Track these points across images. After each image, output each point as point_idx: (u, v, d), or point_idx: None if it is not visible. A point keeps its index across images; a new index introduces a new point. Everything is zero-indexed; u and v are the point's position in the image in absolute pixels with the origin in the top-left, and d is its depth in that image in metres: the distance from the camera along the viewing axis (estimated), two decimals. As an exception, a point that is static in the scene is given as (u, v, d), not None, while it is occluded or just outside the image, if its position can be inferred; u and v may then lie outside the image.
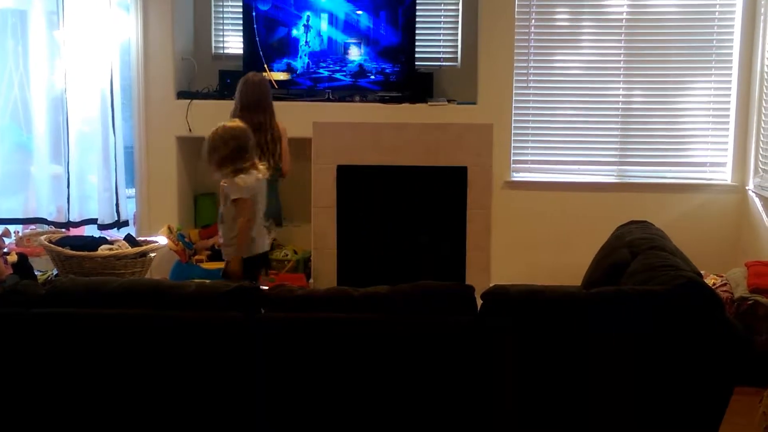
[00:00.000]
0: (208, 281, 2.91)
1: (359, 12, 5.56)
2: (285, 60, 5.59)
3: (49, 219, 5.78)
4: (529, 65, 5.71)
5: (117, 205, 5.73)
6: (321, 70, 5.60)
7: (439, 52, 5.91)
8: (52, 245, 5.14)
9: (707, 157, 5.74)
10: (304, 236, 5.79)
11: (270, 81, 5.53)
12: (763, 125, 5.34)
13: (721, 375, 2.57)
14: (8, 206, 5.83)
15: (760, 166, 5.37)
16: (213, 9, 5.95)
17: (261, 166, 4.14)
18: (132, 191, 5.91)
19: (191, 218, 5.98)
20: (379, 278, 3.12)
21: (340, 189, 5.58)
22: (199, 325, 2.65)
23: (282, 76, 5.61)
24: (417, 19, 5.60)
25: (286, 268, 5.70)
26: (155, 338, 2.66)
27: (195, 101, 5.57)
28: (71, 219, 5.76)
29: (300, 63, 5.60)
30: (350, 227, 5.66)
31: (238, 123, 4.17)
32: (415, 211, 5.71)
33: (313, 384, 2.65)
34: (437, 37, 5.91)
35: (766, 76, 5.32)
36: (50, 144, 5.72)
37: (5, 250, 4.57)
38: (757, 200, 5.37)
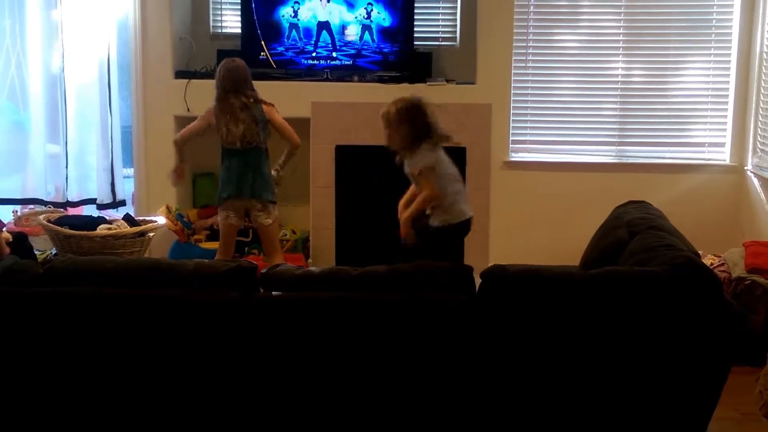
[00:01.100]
0: (206, 260, 2.92)
1: (358, -9, 5.54)
2: (283, 39, 5.57)
3: (47, 199, 5.77)
4: (528, 45, 5.69)
5: (113, 184, 5.73)
6: (319, 50, 5.58)
7: (437, 32, 5.89)
8: (51, 225, 5.14)
9: (706, 137, 5.74)
10: (302, 216, 5.79)
11: (268, 60, 5.51)
12: (762, 105, 5.34)
13: (719, 354, 2.58)
14: (6, 186, 5.83)
15: (759, 146, 5.37)
16: (211, -13, 5.93)
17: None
18: (130, 171, 5.91)
19: (190, 198, 5.98)
20: (377, 258, 3.12)
21: (339, 169, 5.59)
22: (197, 305, 2.66)
23: (280, 55, 5.58)
24: (415, -1, 5.58)
25: (285, 248, 5.70)
26: (154, 317, 2.66)
27: (193, 81, 5.55)
28: (69, 199, 5.77)
29: (298, 42, 5.57)
30: (349, 207, 5.67)
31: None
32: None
33: (312, 364, 2.66)
34: (436, 16, 5.88)
35: (765, 56, 5.31)
36: (47, 123, 5.71)
37: (4, 229, 4.57)
38: (755, 180, 5.37)
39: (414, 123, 4.08)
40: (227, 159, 4.70)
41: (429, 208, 4.11)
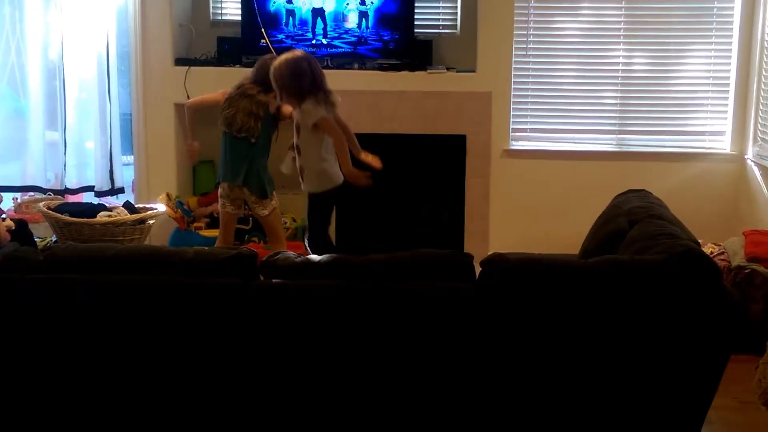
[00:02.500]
0: (206, 248, 2.92)
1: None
2: (283, 26, 5.55)
3: (46, 186, 5.77)
4: (529, 33, 5.67)
5: (111, 172, 5.73)
6: (319, 38, 5.56)
7: (438, 20, 5.87)
8: (51, 212, 5.14)
9: (706, 126, 5.73)
10: (303, 204, 5.77)
11: (268, 47, 5.50)
12: (762, 94, 5.33)
13: (718, 343, 2.58)
14: (5, 173, 5.82)
15: (759, 135, 5.36)
16: (211, -26, 5.91)
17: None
18: (130, 158, 5.90)
19: (190, 186, 5.98)
20: (377, 245, 3.13)
21: (339, 157, 5.58)
22: (197, 292, 2.66)
23: (280, 42, 5.57)
24: (416, -14, 5.56)
25: (285, 236, 5.70)
26: (154, 304, 2.67)
27: (193, 68, 5.54)
28: (68, 186, 5.76)
29: (298, 30, 5.56)
30: (349, 195, 5.66)
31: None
32: (414, 180, 5.72)
33: (312, 351, 2.66)
34: (436, 4, 5.86)
35: (766, 45, 5.29)
36: (46, 110, 5.70)
37: (3, 216, 4.56)
38: (755, 169, 5.37)
39: (300, 77, 4.26)
40: (223, 140, 4.75)
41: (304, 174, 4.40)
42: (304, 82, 4.26)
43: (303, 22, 5.55)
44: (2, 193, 5.66)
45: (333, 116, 4.37)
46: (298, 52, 4.41)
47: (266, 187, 4.75)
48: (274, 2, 5.52)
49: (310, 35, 5.55)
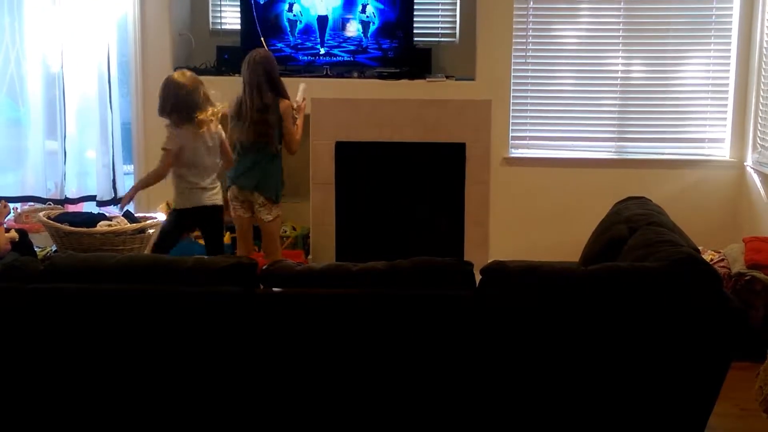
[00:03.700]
0: (206, 257, 2.92)
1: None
2: (283, 35, 5.56)
3: (46, 196, 5.77)
4: (528, 41, 5.68)
5: (114, 181, 5.73)
6: (318, 46, 5.57)
7: (437, 28, 5.88)
8: (51, 221, 5.13)
9: (705, 133, 5.74)
10: (302, 212, 5.79)
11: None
12: (761, 101, 5.33)
13: (719, 350, 2.58)
14: (4, 183, 5.82)
15: (759, 142, 5.37)
16: (210, -17, 5.92)
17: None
18: (130, 167, 5.90)
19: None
20: (377, 254, 3.13)
21: (339, 165, 5.59)
22: (197, 301, 2.66)
23: (280, 51, 5.57)
24: (415, -6, 5.57)
25: (285, 245, 5.70)
26: (153, 314, 2.66)
27: (193, 77, 5.54)
28: (68, 196, 5.76)
29: (298, 39, 5.57)
30: (349, 203, 5.67)
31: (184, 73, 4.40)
32: (414, 188, 5.72)
33: (312, 359, 2.66)
34: (435, 12, 5.87)
35: (765, 52, 5.30)
36: (46, 120, 5.70)
37: (5, 225, 4.56)
38: (755, 176, 5.37)
39: (164, 94, 4.35)
40: (237, 151, 4.73)
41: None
42: (168, 101, 4.35)
43: (303, 31, 5.55)
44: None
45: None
46: (181, 72, 4.48)
47: (279, 192, 4.74)
48: (275, 11, 5.53)
49: (309, 44, 5.56)
